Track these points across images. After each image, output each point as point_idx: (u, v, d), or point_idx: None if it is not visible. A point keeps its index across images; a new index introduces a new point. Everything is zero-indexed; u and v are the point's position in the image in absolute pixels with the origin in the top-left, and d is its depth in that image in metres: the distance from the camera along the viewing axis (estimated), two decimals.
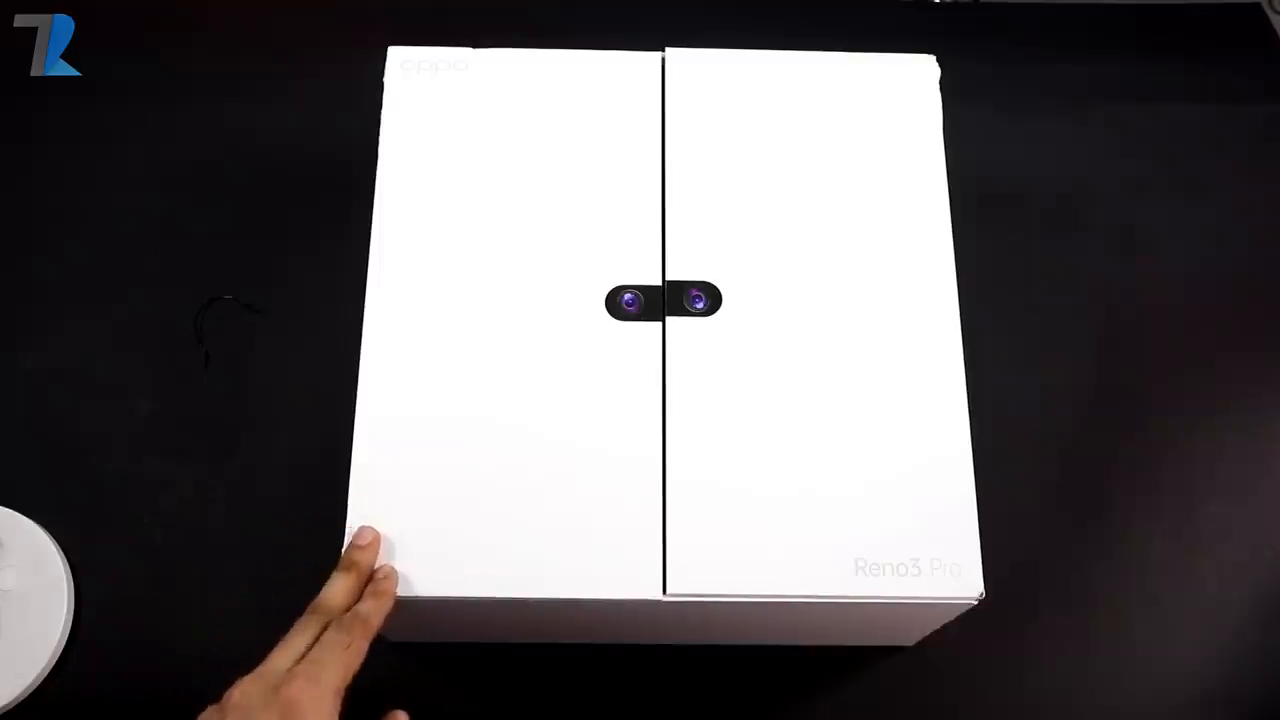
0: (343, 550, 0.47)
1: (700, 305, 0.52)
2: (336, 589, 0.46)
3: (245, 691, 0.41)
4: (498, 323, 0.51)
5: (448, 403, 0.50)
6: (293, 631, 0.44)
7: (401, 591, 0.47)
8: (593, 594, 0.47)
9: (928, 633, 0.56)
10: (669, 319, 0.51)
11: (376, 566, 0.47)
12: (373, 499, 0.48)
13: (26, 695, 0.57)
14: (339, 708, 0.42)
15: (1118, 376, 0.66)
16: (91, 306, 0.66)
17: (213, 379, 0.64)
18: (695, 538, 0.48)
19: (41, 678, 0.57)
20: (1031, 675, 0.60)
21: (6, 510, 0.60)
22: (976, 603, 0.48)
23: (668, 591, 0.47)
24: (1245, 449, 0.65)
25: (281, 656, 0.43)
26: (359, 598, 0.46)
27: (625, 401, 0.50)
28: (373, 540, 0.47)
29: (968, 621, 0.50)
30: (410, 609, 0.48)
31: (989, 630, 0.55)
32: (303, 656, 0.43)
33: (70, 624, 0.58)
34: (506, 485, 0.48)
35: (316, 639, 0.44)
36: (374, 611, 0.45)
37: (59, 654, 0.58)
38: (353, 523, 0.48)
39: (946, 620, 0.52)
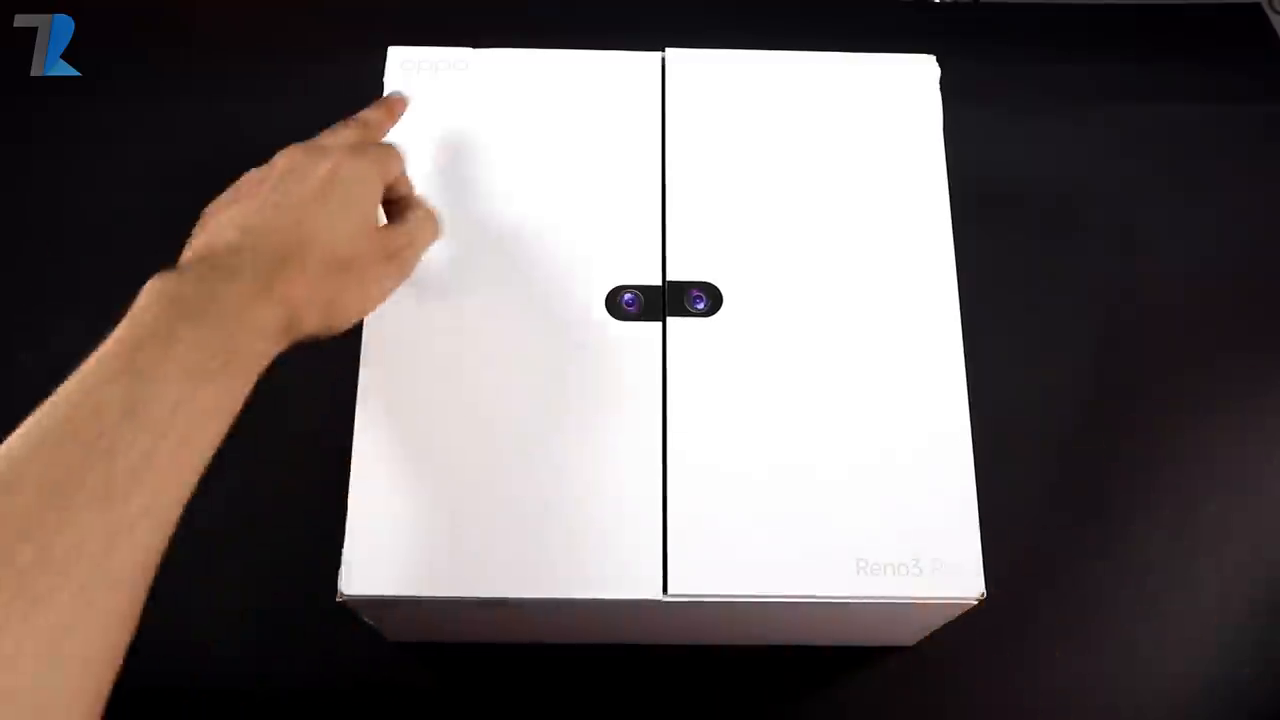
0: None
1: (701, 305, 0.52)
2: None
3: (291, 156, 0.43)
4: (498, 322, 0.51)
5: (448, 403, 0.50)
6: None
7: (402, 591, 0.47)
8: (593, 594, 0.47)
9: (928, 633, 0.56)
10: (669, 319, 0.51)
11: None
12: (373, 499, 0.48)
13: None
14: (380, 198, 0.46)
15: (1118, 376, 0.66)
16: (91, 306, 0.65)
17: None
18: (696, 538, 0.48)
19: None
20: (1031, 675, 0.60)
21: None
22: (977, 603, 0.48)
23: (668, 591, 0.47)
24: (1245, 449, 0.65)
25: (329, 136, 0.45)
26: None
27: (625, 402, 0.50)
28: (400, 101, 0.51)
29: (968, 621, 0.50)
30: (410, 609, 0.48)
31: (989, 630, 0.55)
32: None
33: None
34: (507, 485, 0.48)
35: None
36: (376, 111, 0.50)
37: None
38: (353, 523, 0.48)
39: (946, 620, 0.52)
